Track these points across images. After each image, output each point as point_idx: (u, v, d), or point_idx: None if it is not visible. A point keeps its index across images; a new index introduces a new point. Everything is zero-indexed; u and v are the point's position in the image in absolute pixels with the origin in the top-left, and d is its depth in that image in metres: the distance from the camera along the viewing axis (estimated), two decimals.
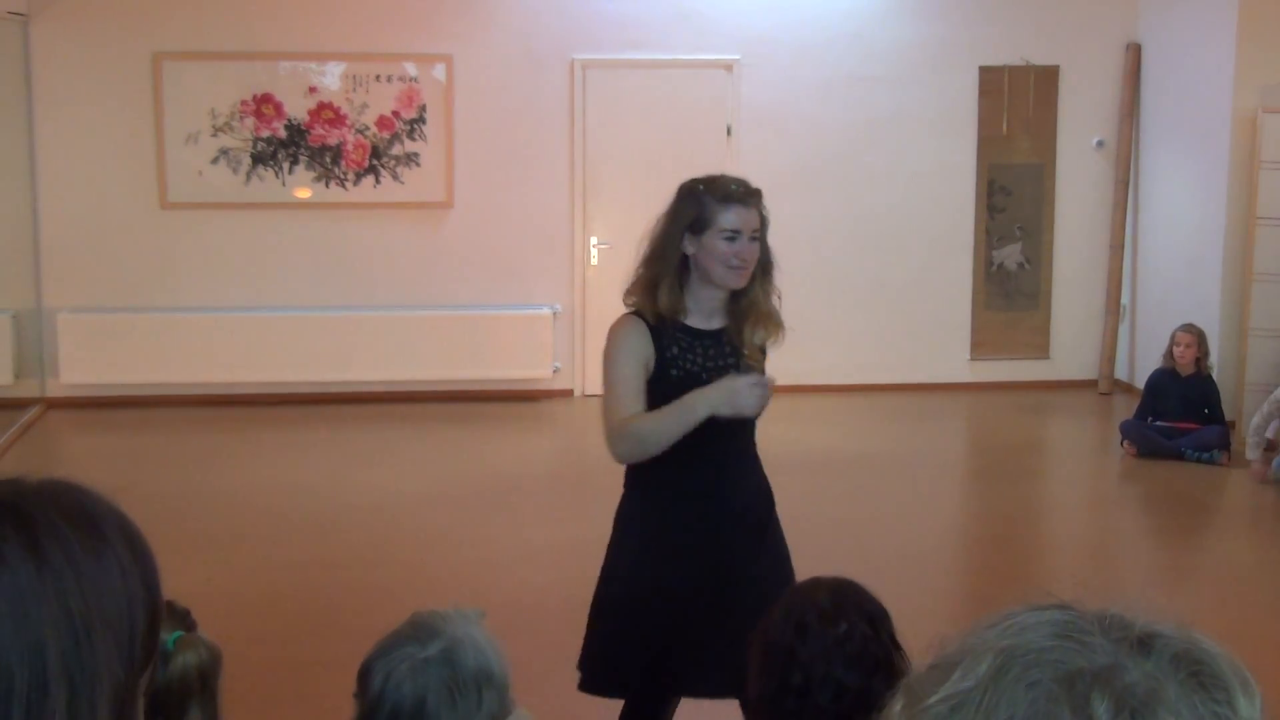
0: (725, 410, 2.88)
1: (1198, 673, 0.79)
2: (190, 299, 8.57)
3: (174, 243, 8.56)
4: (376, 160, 8.64)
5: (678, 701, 3.17)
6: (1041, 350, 9.35)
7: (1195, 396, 7.57)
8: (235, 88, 8.49)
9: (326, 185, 8.63)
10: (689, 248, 2.99)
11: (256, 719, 4.18)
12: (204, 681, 1.83)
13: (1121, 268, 9.20)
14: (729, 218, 2.96)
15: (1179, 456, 7.39)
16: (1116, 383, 9.23)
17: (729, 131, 8.86)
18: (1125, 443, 7.58)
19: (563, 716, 3.82)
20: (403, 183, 8.67)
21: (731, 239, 2.95)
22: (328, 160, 8.61)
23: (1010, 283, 9.28)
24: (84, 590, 0.89)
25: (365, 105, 8.60)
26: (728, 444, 3.03)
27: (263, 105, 8.51)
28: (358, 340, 8.63)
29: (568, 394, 8.91)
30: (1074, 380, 9.33)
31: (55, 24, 8.34)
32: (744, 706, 2.54)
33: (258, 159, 8.55)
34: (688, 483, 3.01)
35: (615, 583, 3.09)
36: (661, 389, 2.97)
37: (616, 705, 3.15)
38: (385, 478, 6.95)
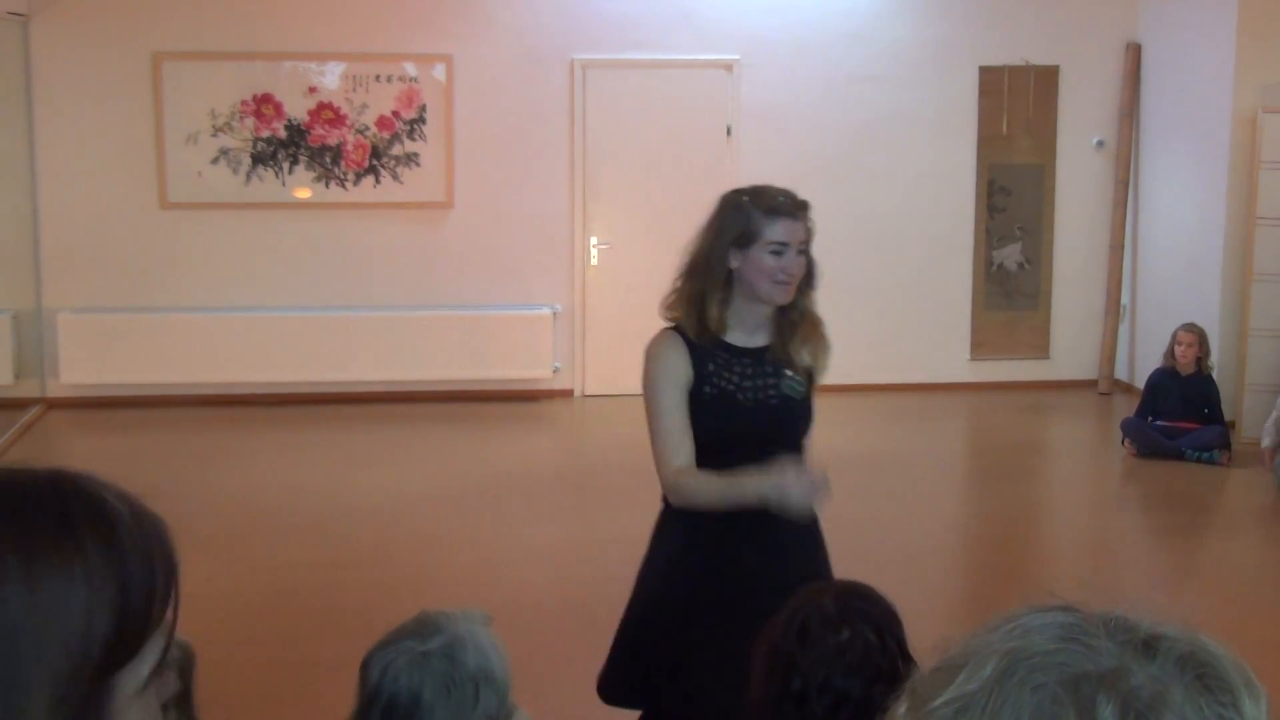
0: (775, 501, 2.75)
1: (1203, 675, 0.79)
2: (190, 299, 8.57)
3: (174, 243, 8.56)
4: (376, 160, 8.64)
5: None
6: (1041, 350, 9.36)
7: (1195, 396, 7.57)
8: (235, 88, 8.49)
9: (326, 185, 8.63)
10: (733, 261, 2.88)
11: (256, 719, 4.18)
12: (179, 680, 1.83)
13: (1121, 268, 9.20)
14: (776, 231, 2.85)
15: (1179, 456, 7.39)
16: (1116, 383, 9.23)
17: (729, 131, 8.86)
18: (1126, 441, 7.58)
19: (562, 716, 3.82)
20: (403, 183, 8.67)
21: (778, 253, 2.85)
22: (328, 160, 8.61)
23: (1010, 283, 9.28)
24: (9, 598, 0.88)
25: (365, 105, 8.60)
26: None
27: (263, 105, 8.51)
28: (358, 340, 8.62)
29: (568, 394, 8.91)
30: (1074, 380, 9.33)
31: (55, 24, 8.33)
32: (744, 708, 2.52)
33: (258, 159, 8.55)
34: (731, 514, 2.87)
35: (641, 596, 3.04)
36: (694, 406, 2.88)
37: (617, 709, 3.13)
38: (385, 478, 6.95)
